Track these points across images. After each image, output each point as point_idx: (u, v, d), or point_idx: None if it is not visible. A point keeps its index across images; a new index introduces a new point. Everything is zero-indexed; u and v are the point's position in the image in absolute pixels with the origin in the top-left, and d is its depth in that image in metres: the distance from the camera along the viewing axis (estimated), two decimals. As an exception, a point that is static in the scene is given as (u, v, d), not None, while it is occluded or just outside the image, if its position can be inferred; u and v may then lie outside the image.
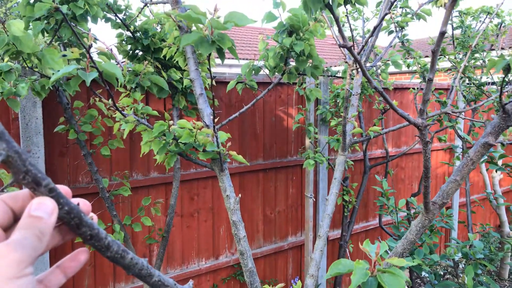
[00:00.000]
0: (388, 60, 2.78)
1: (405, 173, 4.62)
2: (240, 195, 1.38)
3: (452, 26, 2.88)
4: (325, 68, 3.13)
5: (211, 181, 3.13)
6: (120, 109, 1.25)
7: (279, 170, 3.56)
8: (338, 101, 3.41)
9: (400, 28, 2.23)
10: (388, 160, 3.84)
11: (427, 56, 7.56)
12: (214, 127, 1.18)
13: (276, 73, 2.55)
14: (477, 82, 2.80)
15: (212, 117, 1.18)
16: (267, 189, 3.49)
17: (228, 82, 2.95)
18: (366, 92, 3.14)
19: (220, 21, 1.00)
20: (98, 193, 2.46)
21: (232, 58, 10.91)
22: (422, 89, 3.68)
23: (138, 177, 2.81)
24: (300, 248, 3.75)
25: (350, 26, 3.11)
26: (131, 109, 1.42)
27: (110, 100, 1.15)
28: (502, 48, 7.97)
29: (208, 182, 3.11)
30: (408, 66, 3.39)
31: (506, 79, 2.70)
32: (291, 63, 2.60)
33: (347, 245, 3.27)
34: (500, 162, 3.79)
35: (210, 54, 0.99)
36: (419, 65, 2.95)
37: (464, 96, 3.07)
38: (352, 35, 2.18)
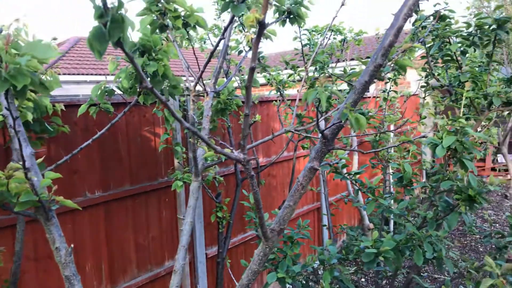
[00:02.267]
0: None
1: (277, 180, 4.83)
2: (72, 245, 1.22)
3: (301, 43, 3.11)
4: (186, 86, 3.09)
5: (70, 216, 2.82)
6: None
7: (149, 193, 3.38)
8: (204, 117, 3.39)
9: (249, 48, 2.32)
10: (259, 170, 3.96)
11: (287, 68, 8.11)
12: (26, 173, 1.02)
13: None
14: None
15: (23, 160, 1.02)
16: (138, 215, 3.29)
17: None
18: (230, 108, 3.18)
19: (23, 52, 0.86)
20: None
21: (86, 74, 10.12)
22: (283, 101, 3.88)
23: (-26, 222, 2.38)
24: (179, 271, 3.62)
25: (211, 44, 3.12)
26: None
27: None
28: (352, 59, 8.99)
29: (66, 217, 2.80)
30: (268, 80, 3.55)
31: (320, 109, 2.98)
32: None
33: (225, 262, 3.25)
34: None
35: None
36: (275, 81, 3.11)
37: (316, 108, 3.35)
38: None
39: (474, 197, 1.73)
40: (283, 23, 2.67)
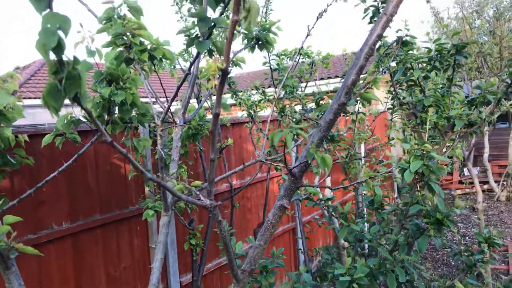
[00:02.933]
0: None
1: (252, 203, 4.81)
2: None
3: (271, 68, 3.15)
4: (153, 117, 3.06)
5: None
6: None
7: (120, 222, 3.28)
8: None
9: (219, 75, 2.33)
10: (232, 194, 3.93)
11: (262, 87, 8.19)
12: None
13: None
14: (295, 120, 3.11)
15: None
16: (108, 245, 3.18)
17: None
18: (202, 132, 3.16)
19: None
20: None
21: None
22: (254, 123, 3.90)
23: None
24: (152, 301, 3.50)
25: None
26: None
27: None
28: (322, 78, 9.17)
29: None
30: (239, 103, 3.56)
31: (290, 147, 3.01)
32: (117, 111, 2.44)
33: (200, 290, 3.18)
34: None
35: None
36: (246, 105, 3.12)
37: (283, 148, 3.37)
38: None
39: (442, 221, 1.77)
40: (252, 49, 2.69)
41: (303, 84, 4.25)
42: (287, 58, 3.67)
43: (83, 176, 3.02)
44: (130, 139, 2.69)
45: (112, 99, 2.29)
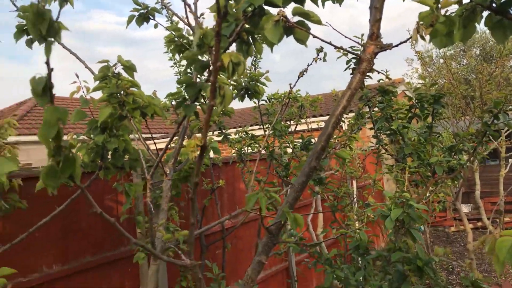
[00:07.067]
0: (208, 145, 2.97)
1: (244, 243, 4.81)
2: None
3: (260, 112, 3.29)
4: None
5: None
6: None
7: (112, 264, 3.29)
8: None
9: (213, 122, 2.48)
10: (224, 235, 3.95)
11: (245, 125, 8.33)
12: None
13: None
14: (284, 163, 3.21)
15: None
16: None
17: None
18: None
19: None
20: None
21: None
22: (245, 165, 3.98)
23: None
24: None
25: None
26: None
27: None
28: (314, 116, 9.36)
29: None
30: (230, 145, 3.67)
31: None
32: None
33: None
34: None
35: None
36: (237, 149, 3.23)
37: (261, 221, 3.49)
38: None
39: (422, 268, 1.83)
40: (242, 98, 2.83)
41: (294, 126, 4.38)
42: (277, 101, 3.81)
43: (75, 219, 3.05)
44: (122, 184, 2.75)
45: (105, 146, 2.38)
